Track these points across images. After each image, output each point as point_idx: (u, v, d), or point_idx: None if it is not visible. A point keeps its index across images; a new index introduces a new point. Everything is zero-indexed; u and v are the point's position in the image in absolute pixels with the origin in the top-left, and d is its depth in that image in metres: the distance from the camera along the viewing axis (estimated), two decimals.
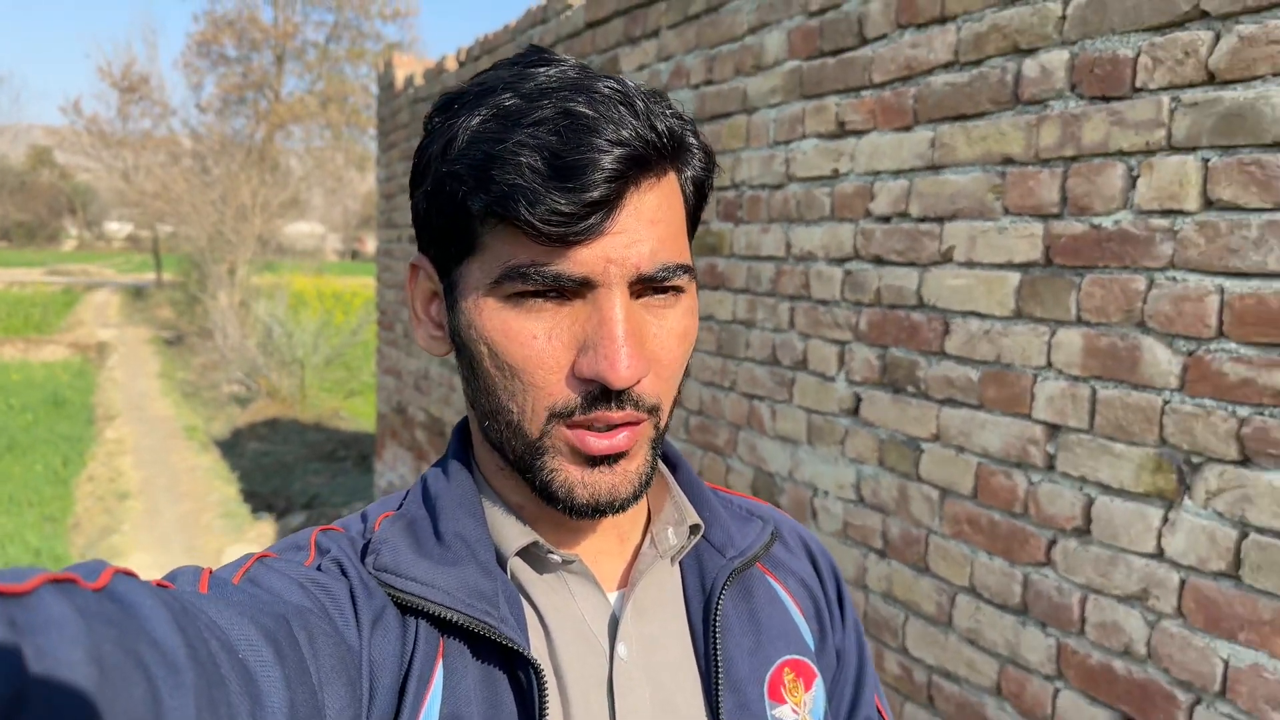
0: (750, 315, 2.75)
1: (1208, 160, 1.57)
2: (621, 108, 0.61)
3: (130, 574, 0.45)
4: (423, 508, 0.73)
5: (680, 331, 0.67)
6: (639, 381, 0.64)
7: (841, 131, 2.38)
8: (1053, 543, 1.85)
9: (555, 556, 0.70)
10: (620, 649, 0.70)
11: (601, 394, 0.63)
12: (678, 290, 0.67)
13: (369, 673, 0.63)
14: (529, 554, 0.71)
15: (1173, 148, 1.62)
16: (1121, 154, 1.71)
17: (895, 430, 2.24)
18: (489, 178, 0.61)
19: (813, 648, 0.79)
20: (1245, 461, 1.52)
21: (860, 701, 0.84)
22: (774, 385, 2.65)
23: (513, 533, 0.70)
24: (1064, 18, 1.81)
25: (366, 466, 8.94)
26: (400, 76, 6.00)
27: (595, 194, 0.59)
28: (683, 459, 0.81)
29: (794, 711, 0.74)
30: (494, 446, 0.71)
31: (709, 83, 2.89)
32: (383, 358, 6.52)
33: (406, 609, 0.66)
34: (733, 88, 2.79)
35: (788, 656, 0.75)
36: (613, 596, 0.73)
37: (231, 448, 10.23)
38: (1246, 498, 1.52)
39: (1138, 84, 1.67)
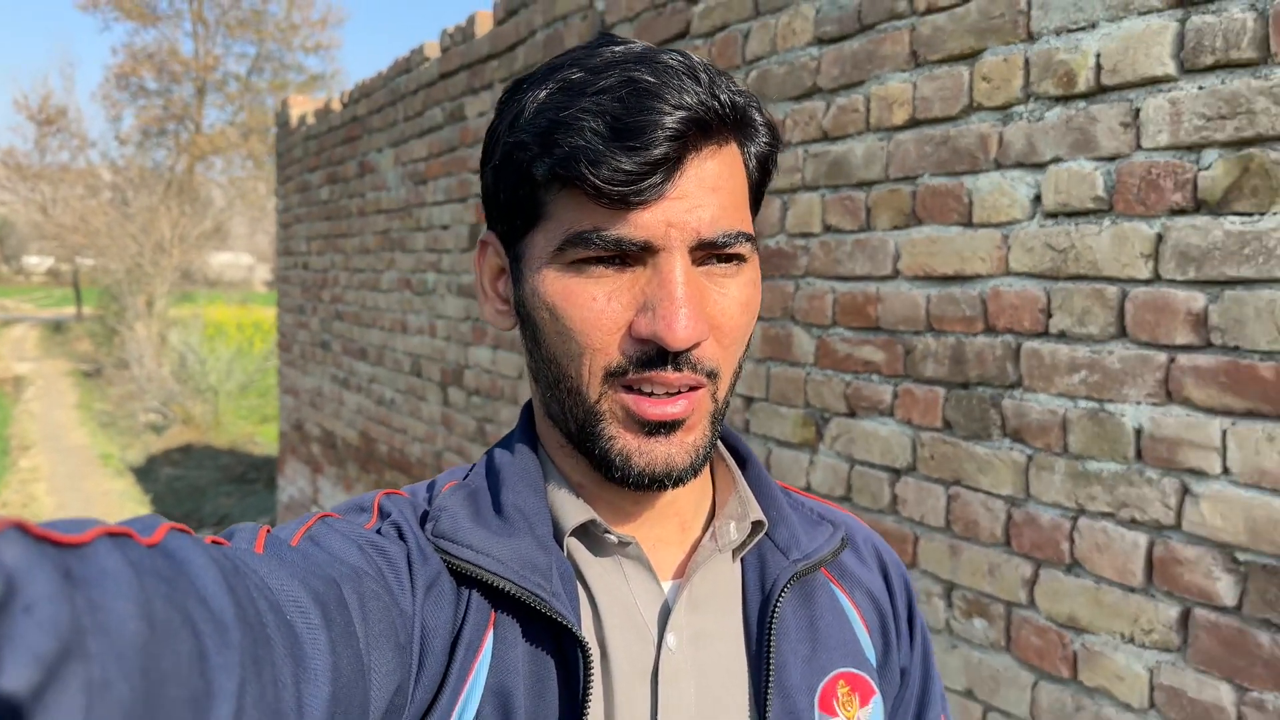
0: None
1: (824, 196, 2.15)
2: (684, 77, 0.62)
3: (185, 530, 0.46)
4: (485, 480, 0.73)
5: (743, 300, 0.66)
6: (697, 345, 0.64)
7: None
8: None
9: (612, 537, 0.69)
10: (669, 639, 0.68)
11: (658, 354, 0.63)
12: (740, 259, 0.66)
13: (420, 637, 0.63)
14: (586, 534, 0.70)
15: (805, 187, 2.20)
16: (778, 192, 2.28)
17: None
18: (553, 142, 0.61)
19: (874, 663, 0.76)
20: (852, 414, 2.09)
21: None
22: None
23: (571, 509, 0.70)
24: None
25: (275, 486, 9.28)
26: (295, 115, 6.46)
27: (656, 152, 0.59)
28: (754, 456, 0.80)
29: None
30: (555, 422, 0.71)
31: None
32: (283, 378, 6.93)
33: (460, 576, 0.66)
34: None
35: (844, 669, 0.73)
36: (667, 585, 0.72)
37: (146, 473, 10.46)
38: (852, 440, 2.09)
39: (786, 139, 2.25)
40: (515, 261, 0.69)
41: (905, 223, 1.96)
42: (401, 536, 0.66)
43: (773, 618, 0.70)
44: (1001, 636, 1.78)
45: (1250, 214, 1.40)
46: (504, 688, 0.64)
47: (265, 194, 26.15)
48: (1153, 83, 1.52)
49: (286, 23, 26.79)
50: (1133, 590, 1.56)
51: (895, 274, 1.99)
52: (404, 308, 4.61)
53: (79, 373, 19.45)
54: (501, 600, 0.66)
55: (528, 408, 0.77)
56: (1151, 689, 1.53)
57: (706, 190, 0.63)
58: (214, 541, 0.52)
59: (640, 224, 0.61)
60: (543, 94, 0.64)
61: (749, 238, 0.66)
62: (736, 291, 0.66)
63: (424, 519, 0.69)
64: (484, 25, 3.76)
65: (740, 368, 0.70)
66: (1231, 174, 1.42)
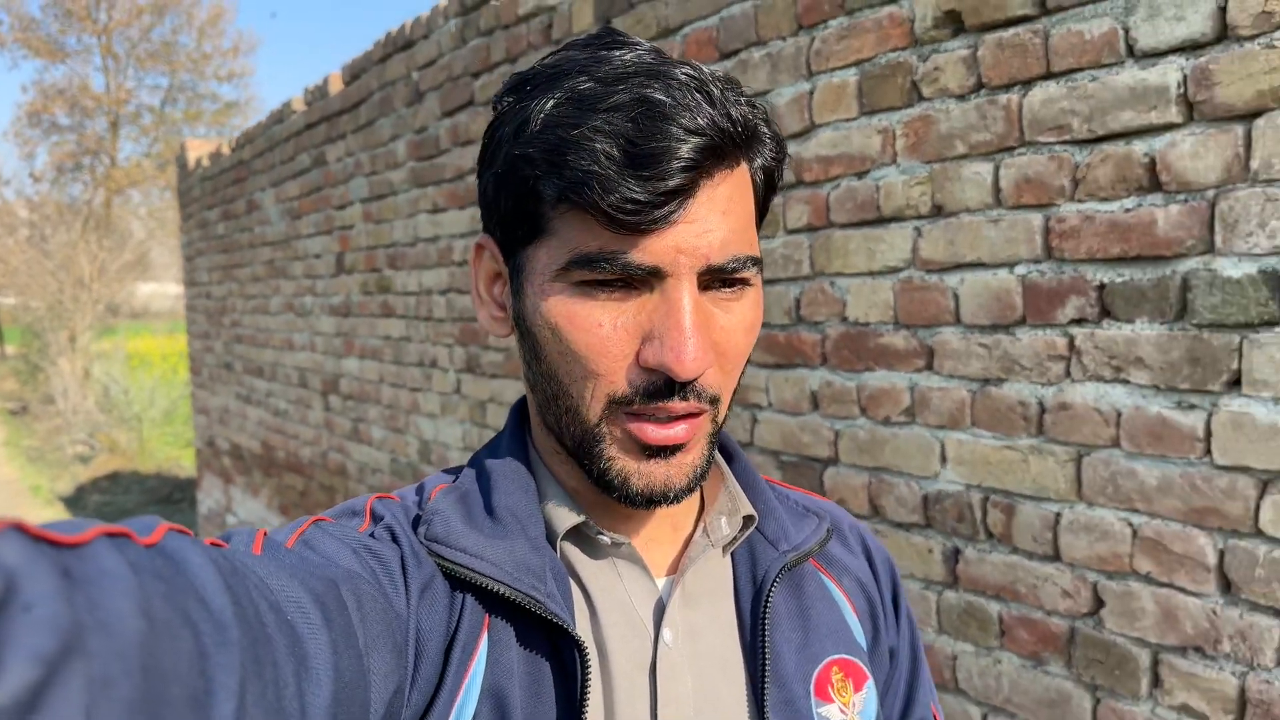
0: (408, 333, 3.95)
1: None
2: (697, 94, 0.60)
3: (184, 531, 0.45)
4: (476, 482, 0.72)
5: (747, 324, 0.66)
6: (704, 374, 0.63)
7: (436, 210, 3.62)
8: None
9: (605, 538, 0.70)
10: (666, 634, 0.69)
11: (665, 384, 0.63)
12: (745, 283, 0.66)
13: (415, 640, 0.63)
14: (579, 535, 0.71)
15: None
16: None
17: (476, 398, 3.47)
18: (564, 163, 0.60)
19: (865, 648, 0.78)
20: None
21: (914, 703, 0.83)
22: (423, 379, 3.86)
23: (564, 512, 0.70)
24: None
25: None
26: (192, 158, 7.03)
27: (671, 183, 0.59)
28: (740, 451, 0.80)
29: (841, 711, 0.72)
30: (551, 430, 0.71)
31: (373, 173, 4.10)
32: (195, 399, 7.49)
33: (455, 580, 0.66)
34: (383, 178, 4.01)
35: (837, 655, 0.74)
36: (661, 582, 0.72)
37: (75, 502, 10.85)
38: None
39: None
40: (515, 272, 0.68)
41: None
42: (395, 540, 0.66)
43: (765, 608, 0.71)
44: None
45: (771, 237, 2.14)
46: (500, 689, 0.64)
47: None
48: None
49: (198, 53, 26.87)
50: None
51: None
52: (289, 328, 5.24)
53: (4, 411, 19.52)
54: (496, 602, 0.66)
55: (518, 409, 0.77)
56: None
57: (717, 214, 0.62)
58: (212, 543, 0.52)
59: (649, 249, 0.60)
60: (550, 104, 0.62)
61: (756, 261, 0.65)
62: (741, 316, 0.66)
63: (416, 522, 0.69)
64: (335, 85, 4.42)
65: (738, 387, 0.70)
66: None
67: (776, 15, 2.07)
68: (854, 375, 1.97)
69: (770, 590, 0.72)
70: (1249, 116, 1.34)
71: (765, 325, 2.17)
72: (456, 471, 0.76)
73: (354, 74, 4.21)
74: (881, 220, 1.88)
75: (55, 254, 20.16)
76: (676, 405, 0.63)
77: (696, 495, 0.76)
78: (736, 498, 0.75)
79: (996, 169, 1.67)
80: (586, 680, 0.63)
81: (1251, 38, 1.33)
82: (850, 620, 0.78)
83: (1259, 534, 1.37)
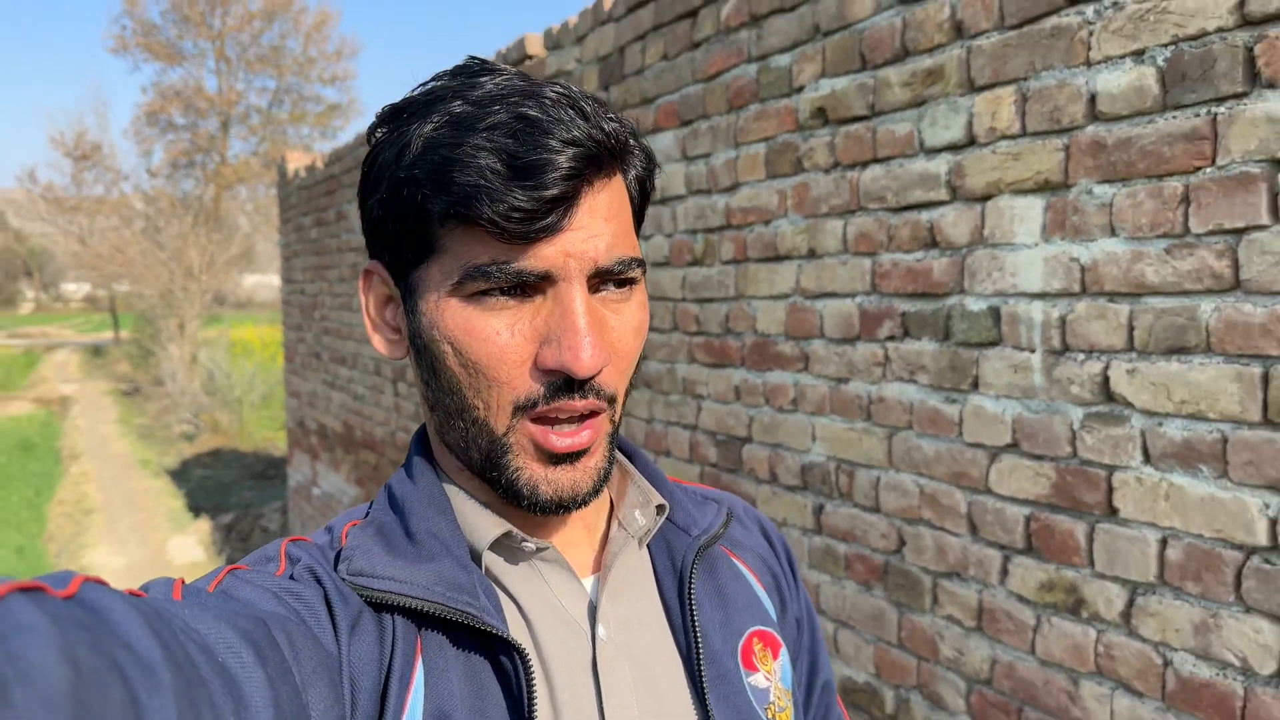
0: None
1: None
2: (570, 110, 0.63)
3: (100, 582, 0.45)
4: (390, 513, 0.73)
5: (635, 325, 0.69)
6: (601, 371, 0.66)
7: None
8: None
9: (529, 544, 0.71)
10: (600, 631, 0.71)
11: (564, 384, 0.65)
12: (631, 283, 0.69)
13: (349, 677, 0.63)
14: (501, 546, 0.72)
15: None
16: None
17: None
18: (449, 180, 0.62)
19: (775, 619, 0.82)
20: None
21: (818, 666, 0.88)
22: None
23: (484, 524, 0.71)
24: None
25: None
26: (291, 169, 7.92)
27: (554, 191, 0.61)
28: (639, 449, 0.82)
29: (766, 679, 0.76)
30: (454, 450, 0.72)
31: None
32: (288, 384, 8.39)
33: (382, 607, 0.66)
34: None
35: (755, 627, 0.78)
36: (587, 582, 0.74)
37: (180, 474, 12.00)
38: None
39: None
40: (407, 293, 0.69)
41: None
42: (317, 579, 0.66)
43: (691, 591, 0.74)
44: None
45: (710, 265, 2.77)
46: (442, 712, 0.64)
47: None
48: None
49: (304, 57, 28.22)
50: None
51: None
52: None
53: (118, 392, 21.14)
54: (427, 625, 0.66)
55: (419, 437, 0.78)
56: None
57: (600, 220, 0.65)
58: (131, 593, 0.50)
59: (540, 255, 0.63)
60: (428, 129, 0.64)
61: (640, 262, 0.68)
62: (629, 317, 0.69)
63: (336, 560, 0.68)
64: None
65: (630, 388, 0.73)
66: (702, 248, 2.79)
67: (716, 97, 2.71)
68: (761, 374, 2.59)
69: (692, 574, 0.75)
70: (984, 199, 1.93)
71: (704, 334, 2.80)
72: (365, 509, 0.76)
73: None
74: (778, 258, 2.50)
75: (168, 245, 21.67)
76: (577, 403, 0.66)
77: (606, 496, 0.79)
78: (646, 490, 0.78)
79: (845, 225, 2.28)
80: (532, 686, 0.64)
81: (985, 144, 1.92)
82: (760, 594, 0.82)
83: (989, 491, 1.96)
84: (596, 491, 0.70)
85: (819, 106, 2.34)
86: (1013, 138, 1.85)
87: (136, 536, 8.77)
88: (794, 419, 2.48)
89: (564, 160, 0.62)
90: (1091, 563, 1.75)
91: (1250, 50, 1.47)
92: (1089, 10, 1.70)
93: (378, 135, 0.69)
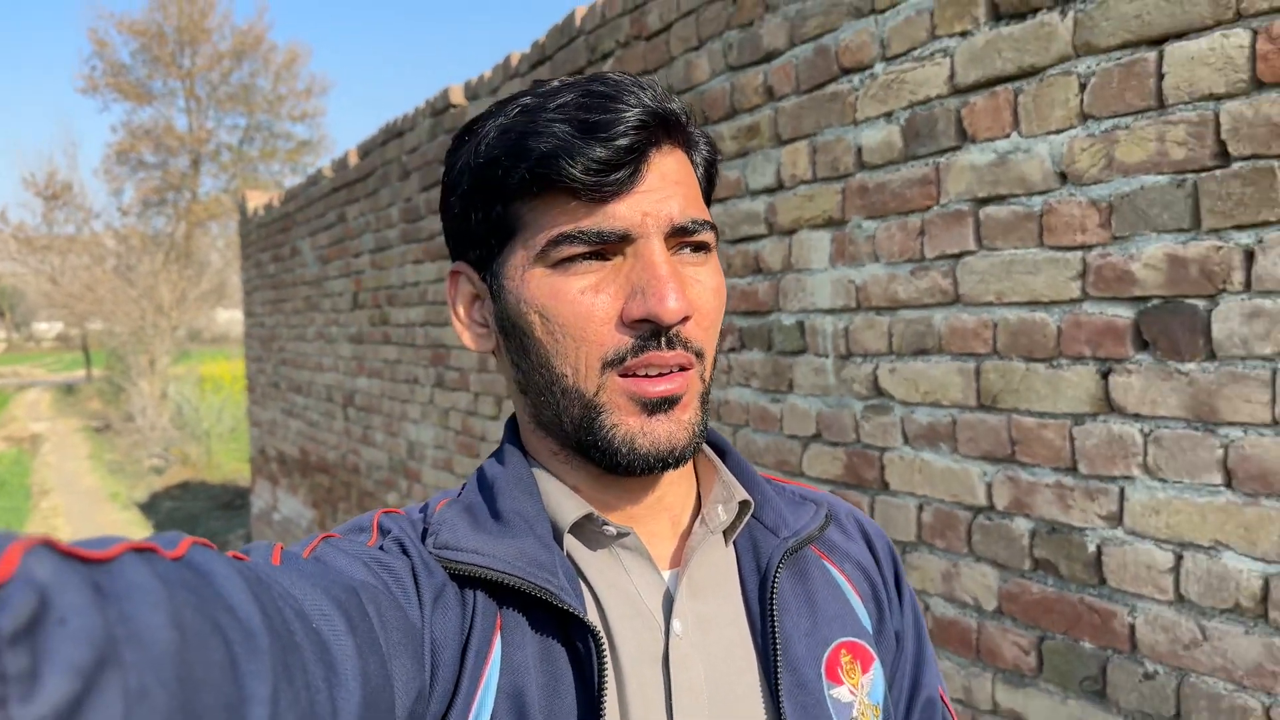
0: (399, 357, 5.02)
1: None
2: (634, 87, 0.67)
3: (207, 544, 0.47)
4: (479, 493, 0.74)
5: (714, 286, 0.71)
6: (686, 321, 0.67)
7: (417, 261, 4.69)
8: None
9: (610, 529, 0.71)
10: (675, 625, 0.70)
11: (652, 335, 0.66)
12: (707, 248, 0.71)
13: (431, 648, 0.64)
14: (583, 531, 0.72)
15: None
16: None
17: (442, 407, 4.52)
18: (525, 149, 0.65)
19: (870, 631, 0.79)
20: None
21: (920, 684, 0.84)
22: (408, 393, 4.93)
23: (568, 507, 0.71)
24: None
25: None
26: (251, 206, 8.28)
27: (624, 141, 0.64)
28: (731, 445, 0.82)
29: (851, 693, 0.73)
30: (548, 429, 0.73)
31: (378, 230, 5.20)
32: (251, 414, 8.70)
33: (465, 580, 0.67)
34: (383, 235, 5.11)
35: (844, 638, 0.75)
36: (667, 574, 0.73)
37: (149, 507, 12.22)
38: None
39: None
40: (493, 279, 0.72)
41: None
42: (405, 551, 0.68)
43: (773, 594, 0.72)
44: None
45: None
46: (516, 688, 0.65)
47: None
48: None
49: (274, 94, 28.53)
50: None
51: None
52: (320, 352, 6.38)
53: (90, 429, 21.27)
54: (508, 599, 0.67)
55: (511, 424, 0.79)
56: None
57: (671, 184, 0.68)
58: (234, 556, 0.52)
59: (617, 215, 0.66)
60: (502, 120, 0.69)
61: (713, 226, 0.70)
62: (708, 277, 0.70)
63: (424, 535, 0.70)
64: (353, 159, 5.56)
65: (716, 357, 0.73)
66: None
67: None
68: None
69: (775, 577, 0.73)
70: (790, 232, 2.33)
71: None
72: (459, 489, 0.78)
73: (365, 152, 5.34)
74: None
75: (139, 283, 21.83)
76: (666, 355, 0.66)
77: (693, 489, 0.78)
78: (731, 486, 0.76)
79: None
80: (603, 669, 0.64)
81: (790, 188, 2.32)
82: (855, 604, 0.79)
83: (802, 474, 2.34)
84: (694, 447, 0.70)
85: None
86: (808, 182, 2.25)
87: None
88: None
89: (632, 116, 0.65)
90: None
91: (959, 113, 1.88)
92: (855, 79, 2.11)
93: (455, 149, 0.74)
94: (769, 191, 2.39)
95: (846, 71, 2.13)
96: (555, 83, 0.70)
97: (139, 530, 10.45)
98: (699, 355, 0.69)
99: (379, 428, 5.38)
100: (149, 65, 27.12)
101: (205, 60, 27.18)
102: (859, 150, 2.10)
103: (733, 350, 2.56)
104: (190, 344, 26.82)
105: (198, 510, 11.77)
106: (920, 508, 2.01)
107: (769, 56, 2.34)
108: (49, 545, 0.33)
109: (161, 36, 26.55)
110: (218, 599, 0.42)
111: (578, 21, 3.15)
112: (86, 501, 12.62)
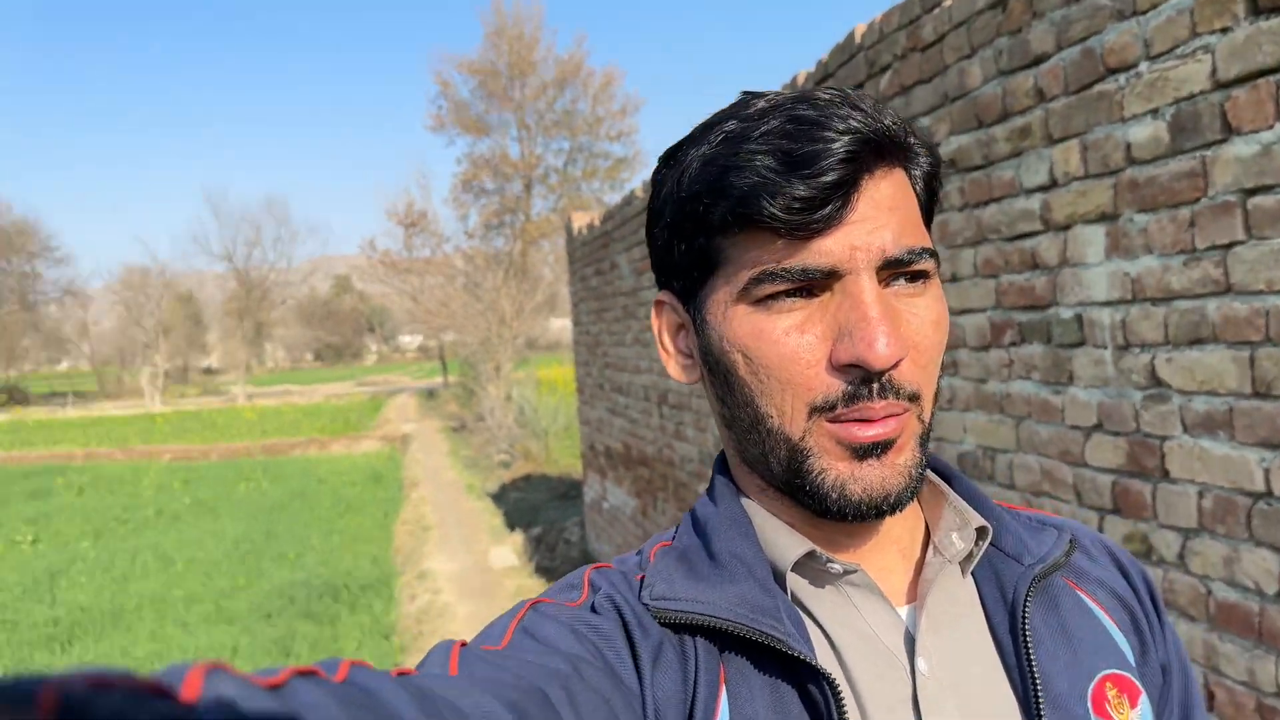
0: None
1: None
2: (845, 106, 0.62)
3: (366, 665, 0.47)
4: (694, 535, 0.72)
5: (934, 318, 0.65)
6: (898, 364, 0.62)
7: None
8: None
9: (835, 566, 0.67)
10: (920, 664, 0.65)
11: (862, 382, 0.62)
12: (925, 276, 0.65)
13: (654, 711, 0.61)
14: (806, 569, 0.68)
15: None
16: None
17: None
18: (727, 185, 0.62)
19: (1134, 662, 0.72)
20: None
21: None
22: None
23: (788, 544, 0.68)
24: None
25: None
26: (575, 227, 9.12)
27: (831, 177, 0.59)
28: (958, 472, 0.76)
29: None
30: (754, 467, 0.70)
31: None
32: (580, 413, 9.56)
33: (684, 629, 0.65)
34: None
35: (1109, 671, 0.69)
36: (902, 611, 0.69)
37: (498, 496, 13.68)
38: None
39: None
40: (696, 312, 0.69)
41: None
42: (618, 610, 0.66)
43: (1025, 626, 0.67)
44: None
45: None
46: None
47: None
48: None
49: (593, 117, 30.41)
50: None
51: None
52: (637, 356, 6.96)
53: (448, 428, 23.97)
54: (730, 648, 0.64)
55: (720, 460, 0.76)
56: None
57: (884, 210, 0.63)
58: (400, 673, 0.52)
59: (823, 251, 0.61)
60: (705, 149, 0.65)
61: (933, 253, 0.65)
62: (926, 310, 0.65)
63: (641, 587, 0.68)
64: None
65: (938, 390, 0.68)
66: None
67: None
68: None
69: (1025, 607, 0.68)
70: (1065, 228, 2.40)
71: None
72: (674, 530, 0.76)
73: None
74: None
75: (484, 297, 24.18)
76: (876, 405, 0.62)
77: (920, 519, 0.74)
78: (964, 513, 0.72)
79: (975, 254, 2.79)
80: (844, 715, 0.60)
81: (1063, 185, 2.39)
82: (1113, 633, 0.73)
83: (1085, 464, 2.40)
84: (909, 494, 0.65)
85: (950, 158, 2.86)
86: (1080, 179, 2.32)
87: (464, 547, 10.29)
88: (950, 416, 2.99)
89: (839, 147, 0.60)
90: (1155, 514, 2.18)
91: (1222, 106, 1.90)
92: (1121, 78, 2.16)
93: (659, 176, 0.70)
94: (1043, 189, 2.47)
95: (1112, 71, 2.18)
96: (761, 103, 0.65)
97: (492, 518, 11.77)
98: (914, 399, 0.64)
99: (689, 424, 5.82)
100: (485, 100, 29.73)
101: (533, 91, 29.39)
102: (1128, 146, 2.16)
103: (1013, 344, 2.65)
104: (528, 350, 29.32)
105: (538, 501, 13.02)
106: (1200, 495, 2.04)
107: (1038, 60, 2.43)
108: (223, 670, 0.34)
109: (495, 73, 29.10)
110: (388, 714, 0.43)
111: (857, 39, 3.34)
112: (448, 492, 14.34)
